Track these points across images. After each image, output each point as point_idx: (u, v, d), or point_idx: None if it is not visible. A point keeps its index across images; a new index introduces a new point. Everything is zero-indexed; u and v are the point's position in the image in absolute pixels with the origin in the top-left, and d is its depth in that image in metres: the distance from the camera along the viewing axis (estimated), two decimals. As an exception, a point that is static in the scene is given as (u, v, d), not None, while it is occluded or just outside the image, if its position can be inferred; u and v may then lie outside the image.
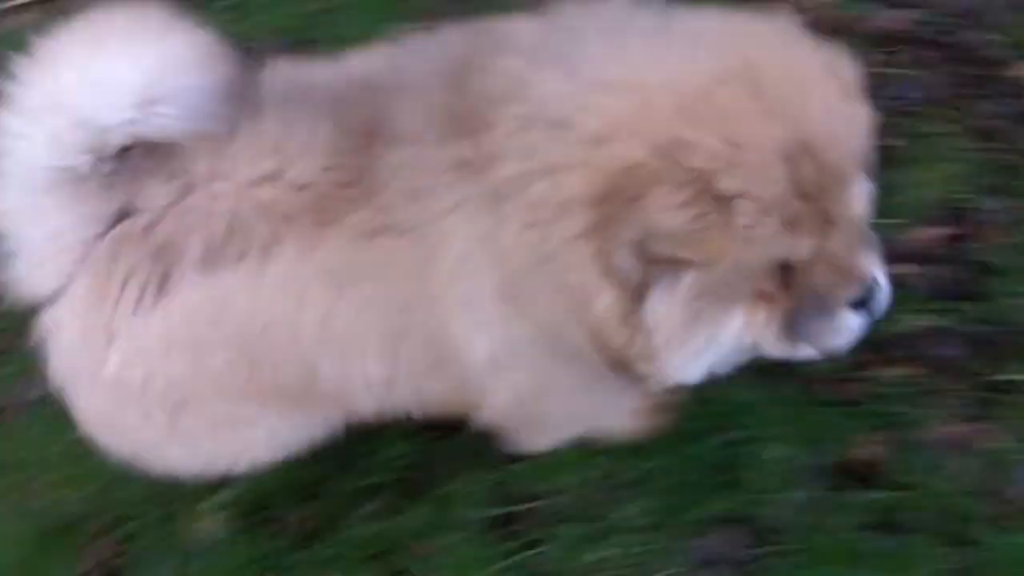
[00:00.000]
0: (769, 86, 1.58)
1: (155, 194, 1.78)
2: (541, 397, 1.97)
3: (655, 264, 1.60)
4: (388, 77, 1.82)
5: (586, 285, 1.64)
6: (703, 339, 1.71)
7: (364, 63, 1.89)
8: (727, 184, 1.55)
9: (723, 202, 1.55)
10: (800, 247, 1.63)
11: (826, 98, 1.63)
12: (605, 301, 1.64)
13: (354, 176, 1.77)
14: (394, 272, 1.78)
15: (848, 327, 1.76)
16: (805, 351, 1.82)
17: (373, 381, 1.91)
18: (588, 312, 1.66)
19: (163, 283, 1.81)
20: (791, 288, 1.70)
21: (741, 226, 1.56)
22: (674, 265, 1.60)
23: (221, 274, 1.80)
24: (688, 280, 1.62)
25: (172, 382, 1.89)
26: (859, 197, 1.70)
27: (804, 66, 1.65)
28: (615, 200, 1.57)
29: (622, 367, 1.74)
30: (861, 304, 1.74)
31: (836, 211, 1.65)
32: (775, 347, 1.78)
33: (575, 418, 2.20)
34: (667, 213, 1.55)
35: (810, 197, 1.60)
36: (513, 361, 1.85)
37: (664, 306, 1.65)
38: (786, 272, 1.68)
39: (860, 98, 1.70)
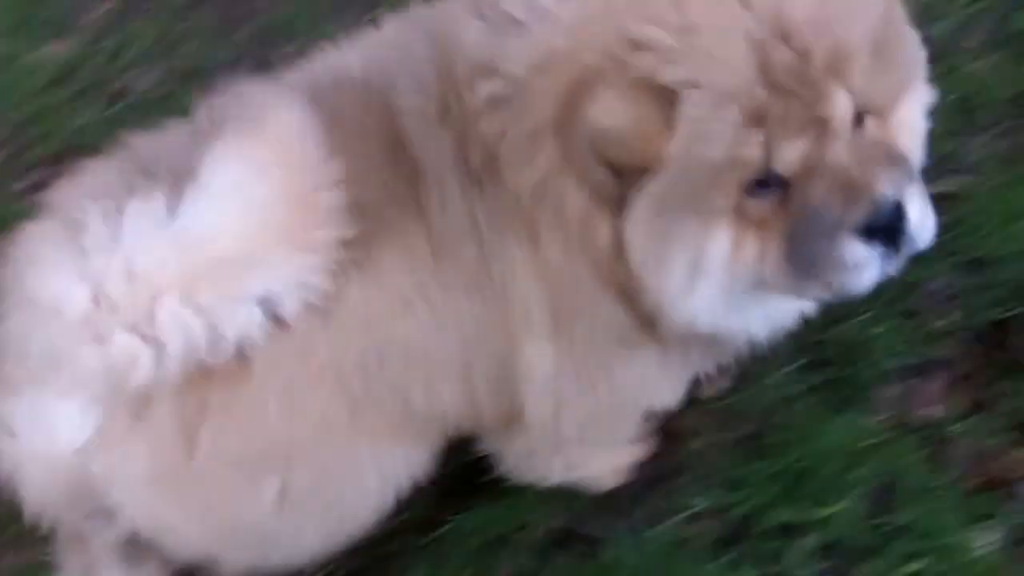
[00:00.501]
0: None
1: None
2: (580, 400, 1.85)
3: (623, 175, 1.50)
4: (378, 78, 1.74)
5: (582, 213, 1.57)
6: (684, 262, 1.54)
7: (346, 60, 1.81)
8: (671, 74, 1.44)
9: (667, 95, 1.44)
10: (784, 151, 1.46)
11: None
12: (603, 228, 1.56)
13: (389, 191, 1.69)
14: (459, 291, 1.71)
15: (855, 257, 1.50)
16: (816, 290, 1.59)
17: (453, 401, 1.81)
18: (595, 247, 1.58)
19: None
20: (789, 210, 1.50)
21: (690, 119, 1.43)
22: (637, 174, 1.49)
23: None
24: (650, 188, 1.49)
25: (272, 440, 1.72)
26: (888, 100, 1.53)
27: None
28: (570, 110, 1.49)
29: (643, 319, 1.65)
30: (875, 233, 1.49)
31: (827, 111, 1.47)
32: (779, 281, 1.56)
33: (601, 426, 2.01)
34: (609, 113, 1.46)
35: (786, 89, 1.44)
36: (566, 370, 1.77)
37: (637, 222, 1.52)
38: (784, 192, 1.50)
39: None
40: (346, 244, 1.64)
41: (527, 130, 1.59)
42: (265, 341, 1.65)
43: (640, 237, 1.55)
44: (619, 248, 1.57)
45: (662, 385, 1.98)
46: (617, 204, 1.55)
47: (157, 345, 1.57)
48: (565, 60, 1.54)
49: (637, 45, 1.47)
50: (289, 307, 1.63)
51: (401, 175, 1.69)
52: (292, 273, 1.62)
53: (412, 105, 1.71)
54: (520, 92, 1.59)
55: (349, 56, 1.84)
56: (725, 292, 1.58)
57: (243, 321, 1.61)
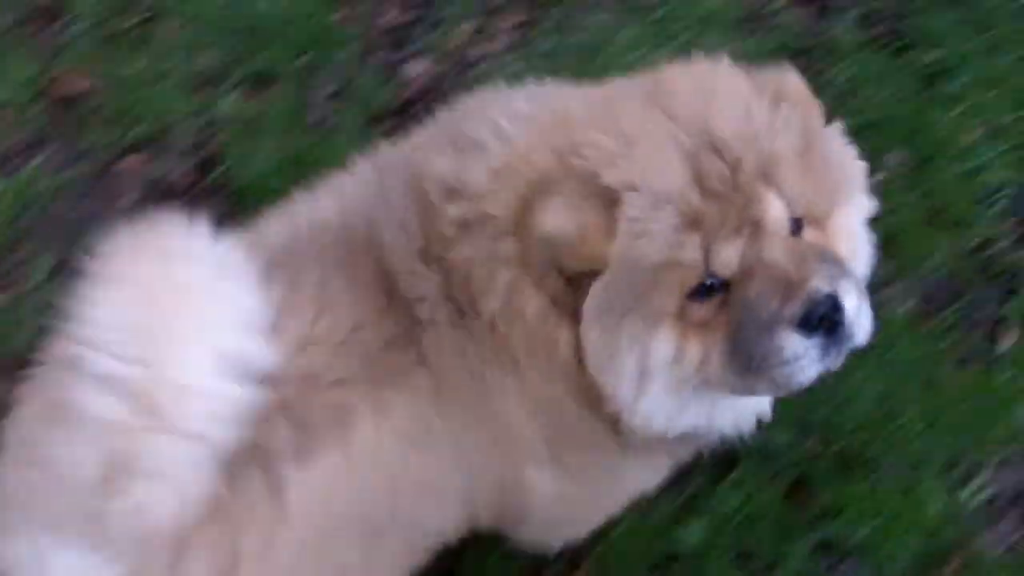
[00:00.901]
0: (674, 96, 1.61)
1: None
2: (584, 500, 1.96)
3: (578, 282, 1.57)
4: (358, 219, 1.77)
5: (542, 318, 1.63)
6: (633, 364, 1.60)
7: (323, 207, 1.82)
8: (612, 176, 1.54)
9: (609, 197, 1.53)
10: (721, 252, 1.55)
11: (736, 104, 1.60)
12: (563, 334, 1.63)
13: (388, 333, 1.70)
14: (460, 426, 1.73)
15: (794, 351, 1.57)
16: (761, 387, 1.65)
17: (456, 522, 1.87)
18: (558, 354, 1.64)
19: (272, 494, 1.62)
20: (730, 310, 1.58)
21: (630, 220, 1.52)
22: (589, 281, 1.56)
23: (314, 465, 1.64)
24: (597, 290, 1.56)
25: None
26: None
27: (715, 80, 1.65)
28: (525, 215, 1.58)
29: (612, 425, 1.70)
30: (812, 325, 1.56)
31: (760, 212, 1.57)
32: (725, 380, 1.63)
33: (611, 504, 2.12)
34: (557, 219, 1.55)
35: (719, 195, 1.53)
36: (566, 490, 1.84)
37: (589, 326, 1.59)
38: (726, 296, 1.58)
39: (799, 107, 1.66)
40: (354, 386, 1.67)
41: (489, 238, 1.66)
42: (294, 483, 1.63)
43: (593, 341, 1.61)
44: (581, 355, 1.64)
45: (650, 478, 2.07)
46: (575, 312, 1.62)
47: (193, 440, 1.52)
48: (518, 164, 1.65)
49: (581, 149, 1.59)
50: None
51: (397, 316, 1.72)
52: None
53: (395, 243, 1.74)
54: (481, 204, 1.67)
55: (324, 203, 1.85)
56: (673, 393, 1.66)
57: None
